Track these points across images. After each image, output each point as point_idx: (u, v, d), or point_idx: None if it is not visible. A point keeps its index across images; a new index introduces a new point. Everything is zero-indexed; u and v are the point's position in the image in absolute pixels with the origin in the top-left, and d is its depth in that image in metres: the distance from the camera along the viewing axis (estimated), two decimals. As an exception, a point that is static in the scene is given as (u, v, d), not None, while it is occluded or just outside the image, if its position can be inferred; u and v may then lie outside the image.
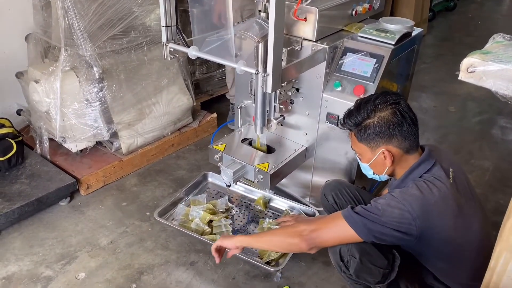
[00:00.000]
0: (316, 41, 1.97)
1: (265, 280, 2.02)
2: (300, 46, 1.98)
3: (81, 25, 2.27)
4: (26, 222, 2.32)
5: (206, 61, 3.05)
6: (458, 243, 1.47)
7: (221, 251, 1.79)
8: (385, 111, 1.50)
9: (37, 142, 2.62)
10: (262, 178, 1.98)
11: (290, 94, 2.08)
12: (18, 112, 2.81)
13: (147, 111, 2.73)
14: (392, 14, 4.91)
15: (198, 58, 1.80)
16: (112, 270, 2.06)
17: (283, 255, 2.02)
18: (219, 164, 2.08)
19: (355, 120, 1.55)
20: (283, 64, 1.74)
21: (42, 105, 2.41)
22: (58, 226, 2.32)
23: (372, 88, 1.92)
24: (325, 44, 1.95)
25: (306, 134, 2.17)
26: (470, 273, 1.51)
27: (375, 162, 1.56)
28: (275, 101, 2.03)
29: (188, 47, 1.81)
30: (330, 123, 2.04)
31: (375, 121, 1.50)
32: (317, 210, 2.23)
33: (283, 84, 2.00)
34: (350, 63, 1.99)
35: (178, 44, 1.88)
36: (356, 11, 2.14)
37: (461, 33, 5.63)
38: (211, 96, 3.46)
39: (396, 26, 2.05)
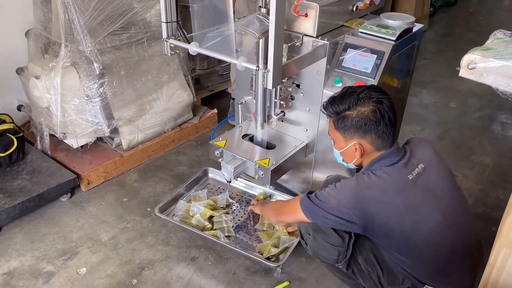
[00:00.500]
0: (317, 37, 1.97)
1: (265, 275, 2.03)
2: (301, 42, 1.98)
3: (81, 21, 2.27)
4: (27, 217, 2.33)
5: (207, 56, 3.05)
6: (407, 238, 1.48)
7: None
8: (366, 107, 1.52)
9: (38, 138, 2.62)
10: (262, 174, 1.98)
11: (290, 90, 2.08)
12: (19, 108, 2.81)
13: (148, 107, 2.73)
14: (393, 10, 4.89)
15: (199, 53, 1.80)
16: (113, 266, 2.07)
17: (284, 250, 2.03)
18: (220, 160, 2.08)
19: (336, 109, 1.58)
20: (284, 60, 1.74)
21: (43, 101, 2.41)
22: (59, 221, 2.32)
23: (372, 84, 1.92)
24: (325, 40, 1.95)
25: (307, 130, 2.17)
26: (431, 269, 1.53)
27: (346, 151, 1.62)
28: (275, 97, 2.04)
29: (189, 43, 1.80)
30: (330, 119, 2.04)
31: (354, 115, 1.53)
32: (318, 206, 2.23)
33: (283, 80, 2.00)
34: (351, 59, 1.98)
35: (179, 40, 1.88)
36: (357, 6, 2.13)
37: (462, 29, 5.62)
38: (211, 92, 3.46)
39: (397, 22, 2.04)
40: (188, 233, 2.22)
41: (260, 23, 1.77)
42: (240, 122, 2.34)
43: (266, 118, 2.04)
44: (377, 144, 1.54)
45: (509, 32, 1.27)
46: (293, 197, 2.29)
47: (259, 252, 2.05)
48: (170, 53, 1.90)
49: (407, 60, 2.22)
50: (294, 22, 1.99)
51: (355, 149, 1.57)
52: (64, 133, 2.48)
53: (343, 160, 1.69)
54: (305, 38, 1.98)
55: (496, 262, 1.13)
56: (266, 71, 1.60)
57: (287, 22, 1.98)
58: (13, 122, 2.56)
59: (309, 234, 1.69)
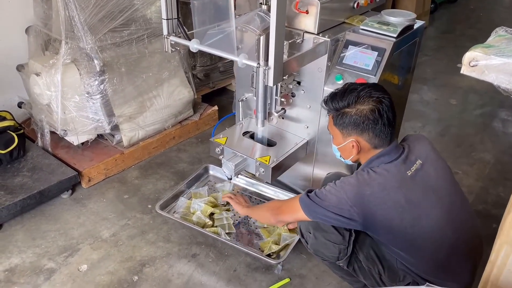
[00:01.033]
0: (318, 34, 1.96)
1: (266, 272, 2.04)
2: (302, 39, 1.97)
3: (81, 18, 2.26)
4: (28, 214, 2.33)
5: (207, 53, 3.04)
6: (408, 234, 1.49)
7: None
8: (365, 105, 1.52)
9: (39, 135, 2.62)
10: (263, 171, 1.99)
11: (291, 87, 2.08)
12: (19, 105, 2.81)
13: (148, 104, 2.73)
14: (393, 7, 4.88)
15: (199, 50, 1.80)
16: (114, 262, 2.07)
17: (284, 247, 2.03)
18: (221, 157, 2.08)
19: (335, 105, 1.58)
20: (285, 57, 1.74)
21: (43, 98, 2.41)
22: (60, 218, 2.33)
23: (373, 81, 1.92)
24: (326, 37, 1.94)
25: (307, 127, 2.17)
26: (432, 265, 1.53)
27: (344, 147, 1.63)
28: (276, 94, 2.04)
29: (189, 40, 1.80)
30: (331, 116, 2.04)
31: (353, 112, 1.54)
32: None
33: (284, 78, 2.00)
34: (352, 56, 1.98)
35: (179, 37, 1.88)
36: (358, 3, 2.13)
37: (463, 25, 5.60)
38: (212, 89, 3.46)
39: (398, 18, 2.04)
40: (189, 230, 2.22)
41: (261, 20, 1.77)
42: (240, 119, 2.34)
43: (267, 115, 2.04)
44: (374, 143, 1.55)
45: (510, 29, 1.27)
46: (291, 196, 2.30)
47: (259, 249, 2.05)
48: (171, 50, 1.89)
49: (408, 57, 2.22)
50: (295, 19, 1.98)
51: (352, 146, 1.58)
52: (65, 130, 2.48)
53: (340, 156, 1.70)
54: (306, 35, 1.97)
55: (497, 259, 1.14)
56: (267, 68, 1.60)
57: (288, 19, 1.98)
58: (13, 119, 2.56)
59: (310, 233, 1.70)
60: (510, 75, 1.07)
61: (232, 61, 3.19)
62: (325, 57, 1.96)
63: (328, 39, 1.93)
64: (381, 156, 1.54)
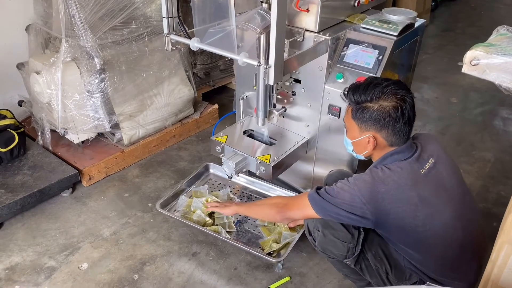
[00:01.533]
0: (318, 32, 1.96)
1: (266, 270, 2.04)
2: (302, 37, 1.97)
3: (81, 16, 2.26)
4: (29, 213, 2.33)
5: (208, 52, 3.04)
6: (420, 232, 1.48)
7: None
8: (388, 102, 1.49)
9: (39, 133, 2.62)
10: (264, 170, 1.99)
11: (287, 84, 2.08)
12: (20, 103, 2.81)
13: (149, 102, 2.72)
14: (394, 5, 4.87)
15: (200, 49, 1.79)
16: (115, 261, 2.07)
17: (285, 246, 2.03)
18: (221, 155, 2.08)
19: (357, 98, 1.54)
20: (285, 55, 1.73)
21: (44, 96, 2.40)
22: (61, 217, 2.33)
23: (374, 80, 1.92)
24: (327, 35, 1.94)
25: (308, 125, 2.17)
26: (442, 264, 1.53)
27: (358, 142, 1.60)
28: (272, 92, 2.03)
29: (190, 38, 1.80)
30: (332, 114, 2.04)
31: (375, 108, 1.51)
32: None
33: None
34: (353, 54, 1.98)
35: (180, 35, 1.87)
36: (359, 1, 2.12)
37: (464, 23, 5.59)
38: (212, 87, 3.45)
39: (398, 17, 2.03)
40: (189, 228, 2.23)
41: (261, 19, 1.76)
42: (241, 118, 2.34)
43: (268, 114, 2.03)
44: (391, 140, 1.53)
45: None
46: (297, 193, 2.30)
47: (260, 247, 2.05)
48: (171, 48, 1.89)
49: (409, 55, 2.22)
50: (296, 17, 1.98)
51: (368, 141, 1.55)
52: (65, 129, 2.48)
53: (353, 150, 1.67)
54: (307, 34, 1.97)
55: (498, 259, 1.14)
56: (267, 67, 1.60)
57: (288, 17, 1.97)
58: (14, 118, 2.56)
59: (318, 230, 1.66)
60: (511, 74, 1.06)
61: (232, 60, 3.18)
62: (326, 55, 1.96)
63: (329, 38, 1.93)
64: (395, 154, 1.53)
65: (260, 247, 2.05)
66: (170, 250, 2.14)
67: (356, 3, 2.11)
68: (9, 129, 2.45)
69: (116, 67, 2.47)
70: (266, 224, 2.17)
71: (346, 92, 1.59)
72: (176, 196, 2.31)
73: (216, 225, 2.15)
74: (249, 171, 2.11)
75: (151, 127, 2.79)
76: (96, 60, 2.35)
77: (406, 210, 1.45)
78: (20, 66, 2.66)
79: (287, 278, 2.00)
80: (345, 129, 1.67)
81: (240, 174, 2.37)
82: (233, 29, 1.69)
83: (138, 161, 2.78)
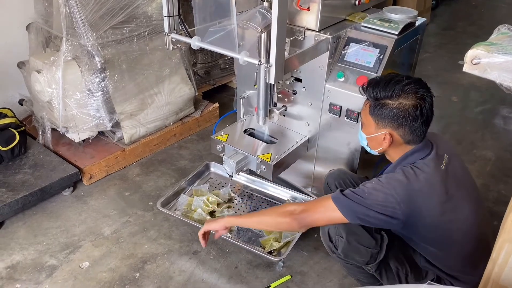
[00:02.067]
0: (319, 31, 1.96)
1: (267, 269, 2.04)
2: (303, 36, 1.97)
3: (82, 15, 2.26)
4: (30, 211, 2.34)
5: (208, 51, 3.05)
6: (445, 228, 1.49)
7: (206, 234, 1.81)
8: (408, 101, 1.48)
9: (40, 132, 2.62)
10: (264, 169, 1.99)
11: (288, 83, 2.08)
12: (20, 102, 2.81)
13: (149, 101, 2.73)
14: (395, 3, 4.86)
15: (200, 48, 1.79)
16: (116, 259, 2.08)
17: (285, 245, 2.04)
18: (222, 154, 2.08)
19: (377, 94, 1.52)
20: (286, 54, 1.73)
21: (44, 95, 2.40)
22: (62, 215, 2.33)
23: (375, 79, 1.92)
24: (328, 34, 1.94)
25: (309, 124, 2.17)
26: (461, 259, 1.54)
27: (374, 138, 1.58)
28: (273, 90, 2.03)
29: (191, 37, 1.80)
30: (332, 113, 2.04)
31: (394, 106, 1.49)
32: (319, 200, 2.24)
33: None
34: (353, 53, 1.98)
35: (181, 34, 1.87)
36: (360, 0, 2.12)
37: (465, 22, 5.58)
38: (212, 86, 3.45)
39: (399, 16, 2.03)
40: (190, 227, 2.23)
41: (262, 17, 1.76)
42: (241, 117, 2.34)
43: (268, 113, 2.04)
44: (407, 138, 1.52)
45: (513, 26, 1.26)
46: (293, 193, 2.30)
47: (260, 246, 2.05)
48: (172, 47, 1.89)
49: (409, 54, 2.22)
50: (296, 16, 1.98)
51: (384, 138, 1.54)
52: (66, 128, 2.48)
53: (367, 145, 1.66)
54: (307, 32, 1.97)
55: (499, 257, 1.14)
56: (268, 66, 1.60)
57: (289, 16, 1.97)
58: (14, 116, 2.56)
59: (341, 237, 1.59)
60: (513, 73, 1.06)
61: (232, 58, 3.18)
62: (327, 54, 1.96)
63: (330, 36, 1.93)
64: (415, 152, 1.52)
65: (260, 246, 2.05)
66: (171, 248, 2.14)
67: (357, 2, 2.11)
68: (10, 128, 2.45)
69: (116, 66, 2.47)
70: (266, 223, 2.17)
71: (365, 87, 1.57)
72: (177, 194, 2.31)
73: (217, 223, 2.15)
74: (250, 170, 2.11)
75: (151, 125, 2.79)
76: (96, 59, 2.35)
77: (436, 207, 1.45)
78: (20, 65, 2.66)
79: (288, 277, 2.00)
80: (360, 123, 1.66)
81: (241, 173, 2.38)
82: (234, 28, 1.69)
83: (138, 159, 2.78)
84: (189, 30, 1.85)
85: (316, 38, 1.95)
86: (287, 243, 2.03)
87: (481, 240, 1.55)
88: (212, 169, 2.54)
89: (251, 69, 2.09)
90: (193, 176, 2.43)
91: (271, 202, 2.35)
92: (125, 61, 2.51)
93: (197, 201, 2.22)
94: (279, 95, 2.09)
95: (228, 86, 3.61)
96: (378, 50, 1.94)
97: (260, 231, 2.14)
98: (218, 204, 2.26)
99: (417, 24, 2.12)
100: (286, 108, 2.18)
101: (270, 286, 1.95)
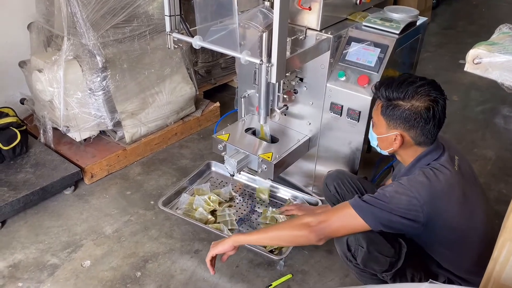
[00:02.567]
0: (320, 31, 1.96)
1: (268, 268, 2.05)
2: (304, 36, 1.97)
3: (83, 14, 2.26)
4: (31, 210, 2.34)
5: (209, 50, 3.05)
6: (462, 229, 1.48)
7: (214, 259, 1.76)
8: (421, 103, 1.46)
9: (41, 131, 2.62)
10: (265, 168, 1.99)
11: (293, 84, 2.08)
12: (22, 101, 2.81)
13: (150, 100, 2.73)
14: (396, 3, 4.86)
15: (201, 47, 1.80)
16: (117, 258, 2.08)
17: (287, 243, 2.04)
18: (223, 153, 2.09)
19: (389, 94, 1.50)
20: (287, 54, 1.73)
21: (46, 94, 2.41)
22: (63, 214, 2.34)
23: (376, 78, 1.92)
24: (329, 33, 1.94)
25: (310, 123, 2.17)
26: (473, 259, 1.53)
27: (385, 138, 1.57)
28: (278, 91, 2.04)
29: (192, 36, 1.80)
30: (333, 113, 2.04)
31: (407, 107, 1.48)
32: (320, 199, 2.24)
33: (287, 74, 2.00)
34: (355, 52, 1.98)
35: (182, 33, 1.87)
36: (361, 0, 2.12)
37: (465, 21, 5.58)
38: (213, 85, 3.46)
39: (400, 15, 2.03)
40: (191, 226, 2.23)
41: (264, 17, 1.76)
42: (243, 116, 2.34)
43: (269, 112, 2.04)
44: (419, 140, 1.51)
45: (514, 26, 1.26)
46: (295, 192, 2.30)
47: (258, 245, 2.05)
48: (174, 46, 1.89)
49: (410, 53, 2.22)
50: (298, 15, 1.98)
51: (395, 139, 1.53)
52: (67, 127, 2.49)
53: (377, 145, 1.65)
54: (309, 32, 1.97)
55: (500, 256, 1.14)
56: (270, 65, 1.60)
57: (290, 15, 1.98)
58: (16, 116, 2.56)
59: (362, 247, 1.53)
60: (514, 72, 1.07)
61: (233, 57, 3.18)
62: (328, 53, 1.96)
63: (331, 36, 1.93)
64: (429, 154, 1.52)
65: (259, 245, 2.05)
66: (172, 247, 2.15)
67: (358, 1, 2.11)
68: (11, 127, 2.46)
69: (118, 65, 2.48)
70: (268, 222, 2.18)
71: (377, 87, 1.56)
72: (178, 194, 2.32)
73: (218, 222, 2.15)
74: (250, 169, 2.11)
75: (153, 125, 2.80)
76: (98, 58, 2.35)
77: (454, 208, 1.45)
78: (22, 64, 2.66)
79: (289, 276, 2.00)
80: (371, 123, 1.65)
81: (242, 172, 2.38)
82: (235, 27, 1.69)
83: (140, 159, 2.78)
84: (190, 29, 1.86)
85: (317, 38, 1.95)
86: (288, 242, 2.03)
87: (491, 240, 1.55)
88: (213, 168, 2.54)
89: (252, 68, 2.10)
90: (194, 175, 2.44)
91: (272, 201, 2.35)
92: (126, 60, 2.51)
93: (198, 200, 2.23)
94: (284, 96, 2.09)
95: (229, 85, 3.62)
96: (379, 50, 1.94)
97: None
98: (219, 203, 2.26)
99: (418, 23, 2.13)
100: (287, 107, 2.18)
101: (271, 285, 1.95)
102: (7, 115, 2.50)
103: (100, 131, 2.69)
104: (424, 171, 1.46)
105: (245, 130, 2.21)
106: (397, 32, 1.95)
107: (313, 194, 2.33)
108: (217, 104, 3.20)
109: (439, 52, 4.60)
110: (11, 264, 2.04)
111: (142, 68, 2.61)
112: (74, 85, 2.40)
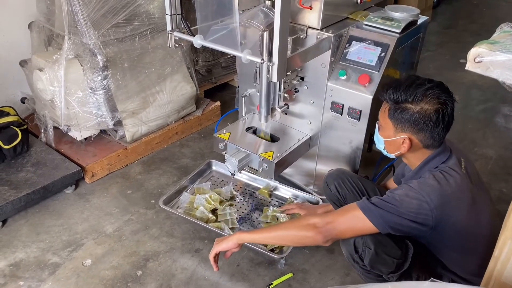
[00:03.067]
0: (321, 30, 1.96)
1: (269, 267, 2.05)
2: (305, 35, 1.97)
3: (84, 13, 2.26)
4: (32, 209, 2.34)
5: (209, 49, 3.05)
6: (470, 232, 1.48)
7: (217, 256, 1.76)
8: (430, 106, 1.45)
9: (42, 130, 2.63)
10: (266, 167, 1.99)
11: (294, 83, 2.08)
12: (22, 100, 2.82)
13: (151, 100, 2.73)
14: (396, 2, 4.86)
15: (202, 46, 1.80)
16: (118, 257, 2.08)
17: (287, 242, 2.04)
18: (224, 152, 2.09)
19: (397, 98, 1.48)
20: (288, 53, 1.73)
21: (46, 93, 2.41)
22: (64, 213, 2.34)
23: (377, 77, 1.92)
24: (330, 32, 1.94)
25: (311, 123, 2.17)
26: (478, 261, 1.52)
27: (392, 141, 1.55)
28: (279, 90, 2.04)
29: (193, 35, 1.80)
30: (334, 112, 2.04)
31: (416, 110, 1.46)
32: (321, 198, 2.24)
33: (288, 73, 2.00)
34: (355, 51, 1.98)
35: (183, 32, 1.88)
36: (361, -1, 2.12)
37: (466, 20, 5.58)
38: (214, 84, 3.46)
39: (401, 14, 2.03)
40: (192, 225, 2.23)
41: (264, 16, 1.77)
42: (243, 115, 2.34)
43: (270, 111, 2.04)
44: (427, 143, 1.50)
45: (516, 25, 1.27)
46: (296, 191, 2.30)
47: (262, 244, 2.06)
48: (174, 45, 1.90)
49: (411, 52, 2.22)
50: (299, 15, 1.98)
51: (403, 142, 1.52)
52: (68, 126, 2.49)
53: (384, 149, 1.63)
54: (310, 31, 1.97)
55: (501, 255, 1.14)
56: (271, 64, 1.60)
57: (291, 15, 1.97)
58: (17, 115, 2.56)
59: (370, 249, 1.52)
60: (515, 71, 1.07)
61: (234, 57, 3.18)
62: (329, 52, 1.96)
63: (332, 35, 1.93)
64: (437, 156, 1.51)
65: (262, 244, 2.06)
66: (173, 246, 2.15)
67: (359, 0, 2.11)
68: (12, 126, 2.46)
69: (118, 64, 2.48)
70: (268, 221, 2.18)
71: (385, 91, 1.53)
72: (179, 193, 2.32)
73: (219, 221, 2.16)
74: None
75: (153, 124, 2.80)
76: (99, 57, 2.35)
77: (464, 211, 1.44)
78: (23, 63, 2.66)
79: (290, 275, 2.01)
80: (377, 126, 1.63)
81: (242, 171, 2.38)
82: (236, 26, 1.69)
83: (140, 158, 2.78)
84: (191, 28, 1.86)
85: (318, 37, 1.95)
86: (289, 241, 2.04)
87: (495, 241, 1.54)
88: (214, 167, 2.55)
89: (253, 67, 2.10)
90: (195, 174, 2.44)
91: (273, 200, 2.35)
92: (127, 60, 2.51)
93: (199, 199, 2.23)
94: (285, 95, 2.09)
95: (229, 84, 3.62)
96: (380, 49, 1.94)
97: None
98: (220, 202, 2.26)
99: (419, 22, 2.13)
100: (288, 107, 2.19)
101: (272, 284, 1.96)
102: (8, 114, 2.51)
103: (101, 130, 2.69)
104: (434, 175, 1.45)
105: (246, 129, 2.21)
106: (398, 31, 1.95)
107: (314, 193, 2.33)
108: (218, 103, 3.20)
109: (440, 51, 4.60)
110: (12, 263, 2.04)
111: (142, 67, 2.61)
112: (75, 84, 2.40)
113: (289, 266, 2.05)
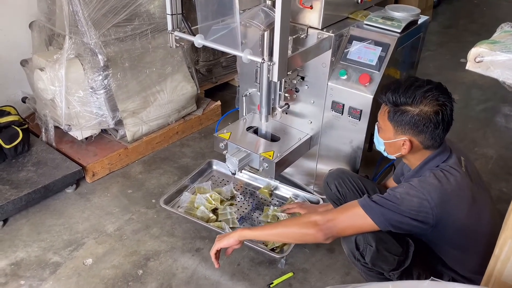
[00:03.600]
0: (322, 29, 1.96)
1: (269, 266, 2.05)
2: (306, 34, 1.98)
3: (85, 13, 2.26)
4: (33, 209, 2.35)
5: (210, 48, 3.05)
6: (470, 230, 1.48)
7: (218, 253, 1.77)
8: (429, 107, 1.45)
9: (43, 130, 2.63)
10: (267, 166, 1.99)
11: (295, 82, 2.08)
12: (23, 100, 2.82)
13: (152, 99, 2.73)
14: (397, 2, 4.86)
15: (202, 45, 1.80)
16: (119, 257, 2.09)
17: (288, 242, 2.04)
18: (224, 152, 2.09)
19: (397, 100, 1.49)
20: (289, 52, 1.74)
21: (47, 93, 2.41)
22: (65, 213, 2.34)
23: (377, 77, 1.92)
24: (330, 32, 1.95)
25: (311, 122, 2.17)
26: (479, 259, 1.53)
27: (393, 143, 1.56)
28: (280, 90, 2.04)
29: (194, 35, 1.80)
30: (335, 111, 2.05)
31: (415, 112, 1.46)
32: (321, 198, 2.25)
33: (288, 73, 2.00)
34: (356, 51, 1.98)
35: (184, 32, 1.88)
36: (362, -2, 2.13)
37: (466, 20, 5.58)
38: (214, 84, 3.46)
39: (402, 14, 2.03)
40: (192, 224, 2.24)
41: (265, 16, 1.77)
42: (244, 115, 2.34)
43: (271, 111, 2.04)
44: (427, 144, 1.51)
45: (516, 25, 1.27)
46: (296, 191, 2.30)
47: (263, 243, 2.06)
48: (175, 45, 1.90)
49: (412, 52, 2.22)
50: (299, 14, 1.99)
51: (403, 144, 1.52)
52: (69, 125, 2.49)
53: (384, 150, 1.64)
54: (310, 30, 1.97)
55: (501, 254, 1.14)
56: (271, 64, 1.60)
57: (292, 14, 1.98)
58: (18, 114, 2.57)
59: (371, 246, 1.53)
60: (516, 71, 1.07)
61: (234, 56, 3.19)
62: (329, 52, 1.96)
63: (332, 35, 1.93)
64: (437, 156, 1.52)
65: (263, 243, 2.06)
66: (174, 246, 2.15)
67: (359, 0, 2.12)
68: (13, 126, 2.46)
69: (119, 64, 2.48)
70: (269, 221, 2.18)
71: (384, 93, 1.53)
72: (179, 192, 2.32)
73: (220, 221, 2.16)
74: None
75: (154, 123, 2.80)
76: (99, 57, 2.35)
77: (464, 210, 1.45)
78: (23, 63, 2.67)
79: (290, 274, 2.01)
80: (377, 127, 1.63)
81: (243, 171, 2.39)
82: (237, 26, 1.70)
83: (141, 157, 2.79)
84: (192, 28, 1.86)
85: (319, 36, 1.96)
86: (290, 241, 2.04)
87: (496, 240, 1.55)
88: (214, 167, 2.55)
89: (253, 67, 2.10)
90: (195, 173, 2.44)
91: (273, 200, 2.35)
92: (127, 59, 2.51)
93: (199, 199, 2.23)
94: (286, 95, 2.09)
95: (230, 84, 3.62)
96: (380, 48, 1.94)
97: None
98: (221, 202, 2.27)
99: (419, 22, 2.13)
100: (289, 106, 2.19)
101: (272, 283, 1.96)
102: (9, 113, 2.51)
103: (101, 129, 2.69)
104: (435, 173, 1.46)
105: (247, 128, 2.22)
106: (399, 31, 1.95)
107: (315, 193, 2.34)
108: (218, 102, 3.20)
109: (440, 51, 4.60)
110: (13, 262, 2.05)
111: (143, 67, 2.61)
112: (75, 84, 2.40)
113: (290, 265, 2.06)
